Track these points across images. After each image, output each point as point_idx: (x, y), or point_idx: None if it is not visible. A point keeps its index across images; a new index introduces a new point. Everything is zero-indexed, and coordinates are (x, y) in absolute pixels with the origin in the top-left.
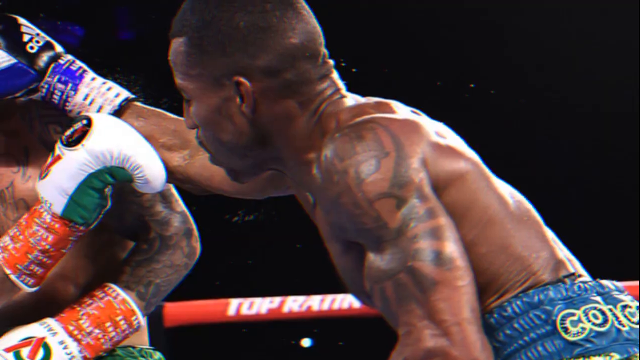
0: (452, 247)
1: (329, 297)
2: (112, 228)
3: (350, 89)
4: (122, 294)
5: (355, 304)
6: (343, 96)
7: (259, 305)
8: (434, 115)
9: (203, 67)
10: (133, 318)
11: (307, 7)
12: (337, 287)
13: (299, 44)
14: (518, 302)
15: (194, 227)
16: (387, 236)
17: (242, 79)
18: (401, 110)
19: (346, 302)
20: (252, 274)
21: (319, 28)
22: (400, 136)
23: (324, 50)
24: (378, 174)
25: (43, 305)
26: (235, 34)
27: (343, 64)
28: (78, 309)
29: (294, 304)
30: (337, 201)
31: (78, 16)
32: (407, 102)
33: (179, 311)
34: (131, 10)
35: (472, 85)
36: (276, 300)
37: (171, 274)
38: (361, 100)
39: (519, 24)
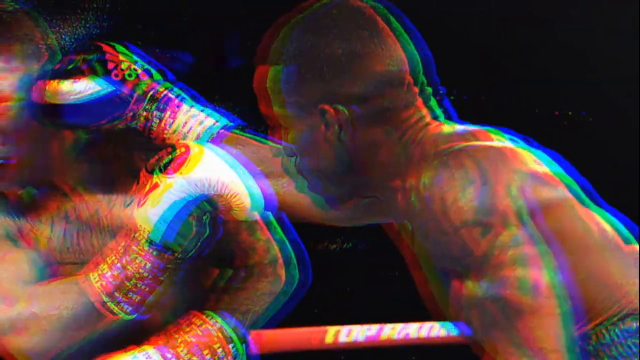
0: (539, 275)
1: (427, 325)
2: (210, 255)
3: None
4: (220, 321)
5: (454, 331)
6: (440, 124)
7: (357, 333)
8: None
9: (300, 95)
10: (231, 346)
11: (404, 34)
12: (435, 315)
13: (397, 71)
14: (616, 330)
15: (292, 254)
16: (473, 264)
17: (339, 107)
18: (498, 138)
19: (445, 329)
20: (349, 301)
21: (416, 55)
22: (490, 164)
23: (421, 78)
24: (464, 202)
25: (140, 332)
26: (333, 62)
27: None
28: (176, 336)
29: (392, 331)
30: (428, 228)
31: (187, 44)
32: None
33: (276, 338)
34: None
35: (570, 113)
36: (374, 328)
37: (269, 301)
38: (458, 128)
39: (610, 48)
